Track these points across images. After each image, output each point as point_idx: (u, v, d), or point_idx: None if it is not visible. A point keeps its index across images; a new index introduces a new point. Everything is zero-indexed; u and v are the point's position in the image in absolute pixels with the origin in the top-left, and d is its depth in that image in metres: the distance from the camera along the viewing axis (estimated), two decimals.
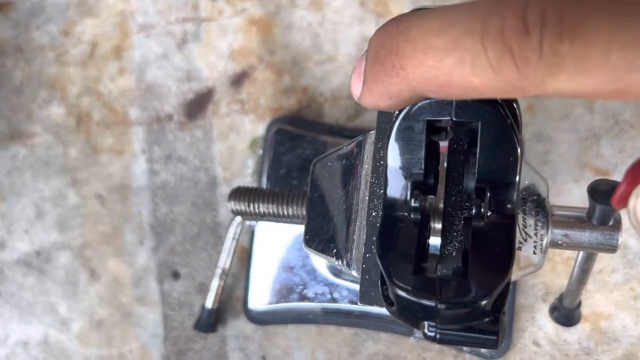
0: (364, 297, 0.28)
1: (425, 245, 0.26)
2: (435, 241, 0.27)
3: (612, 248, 0.31)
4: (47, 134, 0.52)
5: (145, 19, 0.52)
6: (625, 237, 0.42)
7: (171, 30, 0.51)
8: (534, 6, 0.17)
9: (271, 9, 0.49)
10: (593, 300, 0.42)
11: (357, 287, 0.42)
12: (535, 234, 0.31)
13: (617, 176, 0.43)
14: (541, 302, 0.43)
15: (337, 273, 0.42)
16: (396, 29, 0.20)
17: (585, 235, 0.31)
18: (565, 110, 0.44)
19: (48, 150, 0.52)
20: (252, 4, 0.50)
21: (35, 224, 0.51)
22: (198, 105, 0.51)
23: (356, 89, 0.23)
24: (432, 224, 0.27)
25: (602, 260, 0.42)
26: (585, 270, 0.34)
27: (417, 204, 0.25)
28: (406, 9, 0.47)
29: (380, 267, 0.24)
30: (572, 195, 0.43)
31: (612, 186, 0.29)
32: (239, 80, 0.50)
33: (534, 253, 0.30)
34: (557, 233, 0.31)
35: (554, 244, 0.31)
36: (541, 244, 0.31)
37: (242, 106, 0.49)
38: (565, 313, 0.39)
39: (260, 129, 0.49)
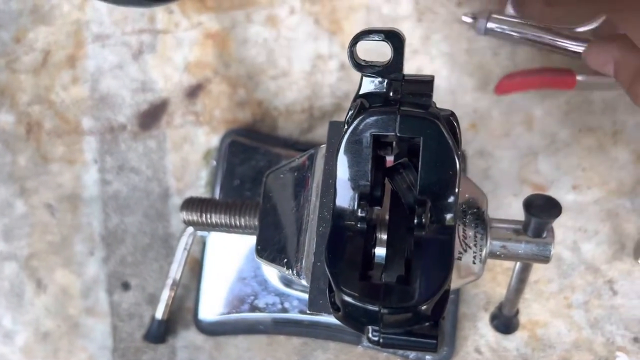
0: (313, 304, 0.29)
1: (371, 254, 0.27)
2: (381, 251, 0.28)
3: (545, 259, 0.33)
4: None
5: (100, 29, 0.52)
6: (559, 249, 0.44)
7: (127, 40, 0.52)
8: None
9: (227, 23, 0.50)
10: (530, 309, 0.44)
11: (307, 296, 0.43)
12: (475, 245, 0.32)
13: (553, 191, 0.46)
14: (482, 311, 0.45)
15: (288, 283, 0.43)
16: None
17: (521, 247, 0.33)
18: (506, 129, 0.46)
19: None
20: (208, 17, 0.51)
21: None
22: (152, 116, 0.51)
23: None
24: (378, 234, 0.29)
25: (539, 270, 0.44)
26: (522, 279, 0.36)
27: (363, 214, 0.26)
28: (359, 28, 0.49)
29: (328, 274, 0.25)
30: (511, 208, 0.45)
31: (546, 200, 0.32)
32: (194, 92, 0.50)
33: (474, 263, 0.32)
34: (495, 244, 0.33)
35: (493, 255, 0.33)
36: (480, 255, 0.32)
37: (196, 118, 0.50)
38: (504, 321, 0.40)
39: (214, 141, 0.49)
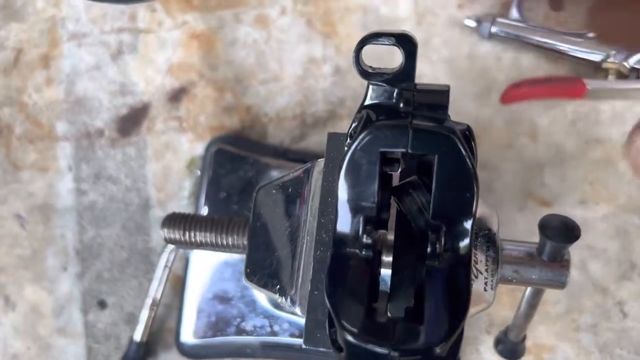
0: (309, 338, 0.26)
1: (377, 284, 0.24)
2: (385, 277, 0.25)
3: (561, 285, 0.30)
4: None
5: (77, 27, 0.48)
6: None
7: (105, 40, 0.48)
8: None
9: (214, 23, 0.47)
10: (536, 332, 0.41)
11: (299, 320, 0.40)
12: (486, 270, 0.29)
13: (559, 206, 0.43)
14: (485, 334, 0.42)
15: (278, 305, 0.39)
16: None
17: (535, 272, 0.30)
18: (509, 139, 0.44)
19: None
20: (193, 17, 0.47)
21: None
22: (132, 121, 0.47)
23: None
24: (382, 259, 0.26)
25: (545, 291, 0.41)
26: (532, 305, 0.34)
27: (369, 241, 0.23)
28: (354, 31, 0.46)
29: (329, 308, 0.22)
30: (517, 224, 0.42)
31: (563, 222, 0.29)
32: (177, 96, 0.47)
33: (485, 290, 0.29)
34: (508, 269, 0.30)
35: (504, 280, 0.30)
36: (492, 281, 0.30)
37: (179, 123, 0.47)
38: (510, 347, 0.38)
39: (198, 149, 0.46)
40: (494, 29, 0.43)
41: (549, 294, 0.41)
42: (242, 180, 0.43)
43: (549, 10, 0.45)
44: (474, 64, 0.44)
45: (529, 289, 0.33)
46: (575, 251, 0.42)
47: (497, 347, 0.39)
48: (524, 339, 0.38)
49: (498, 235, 0.30)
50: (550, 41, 0.43)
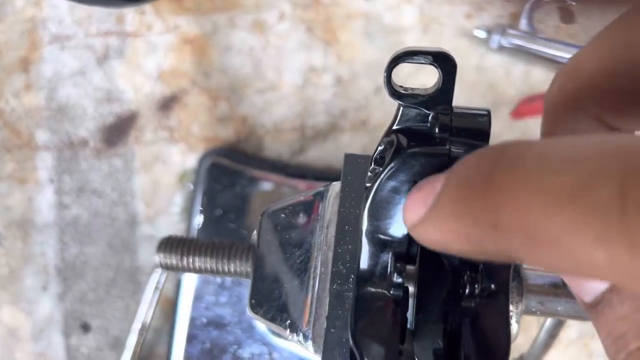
0: None
1: (405, 326, 0.22)
2: (409, 314, 0.23)
3: (586, 317, 0.29)
4: None
5: (59, 29, 0.45)
6: None
7: (90, 43, 0.45)
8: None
9: (208, 27, 0.44)
10: (548, 358, 0.39)
11: (300, 349, 0.37)
12: (511, 303, 0.27)
13: None
14: None
15: (277, 332, 0.37)
16: (503, 154, 0.14)
17: (561, 303, 0.28)
18: None
19: None
20: (186, 20, 0.45)
21: None
22: (119, 130, 0.44)
23: (414, 214, 0.16)
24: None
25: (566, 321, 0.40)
26: (552, 335, 0.32)
27: (400, 280, 0.21)
28: (357, 39, 0.44)
29: (357, 355, 0.20)
30: None
31: None
32: (167, 104, 0.44)
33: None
34: (532, 300, 0.28)
35: (528, 312, 0.28)
36: (516, 313, 0.28)
37: (170, 134, 0.44)
38: None
39: (191, 161, 0.43)
40: (503, 41, 0.41)
41: None
42: (239, 197, 0.40)
43: (560, 23, 0.43)
44: (483, 76, 0.43)
45: (550, 320, 0.31)
46: None
47: None
48: None
49: (523, 266, 0.28)
50: (562, 54, 0.41)
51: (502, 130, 0.42)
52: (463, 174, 0.15)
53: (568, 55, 0.41)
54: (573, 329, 0.40)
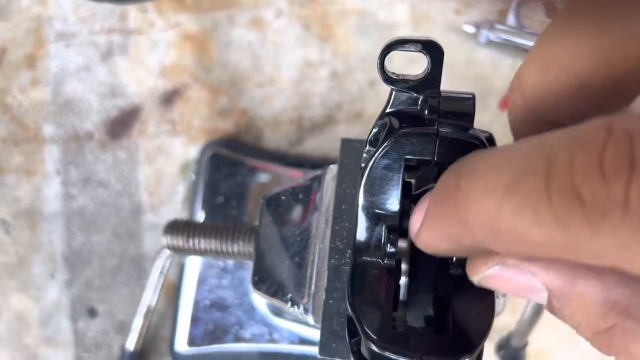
0: (325, 349, 0.25)
1: (398, 293, 0.24)
2: (402, 284, 0.25)
3: None
4: None
5: (64, 27, 0.47)
6: None
7: (95, 40, 0.47)
8: (617, 143, 0.13)
9: (208, 24, 0.46)
10: (535, 337, 0.41)
11: (299, 328, 0.39)
12: None
13: None
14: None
15: (277, 312, 0.39)
16: (463, 166, 0.17)
17: None
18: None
19: None
20: (187, 18, 0.46)
21: None
22: (123, 123, 0.46)
23: (414, 225, 0.20)
24: (402, 267, 0.25)
25: None
26: (537, 312, 0.34)
27: (393, 249, 0.23)
28: (351, 35, 0.46)
29: (354, 319, 0.22)
30: None
31: None
32: (170, 98, 0.46)
33: (496, 297, 0.29)
34: None
35: None
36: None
37: (172, 126, 0.46)
38: (512, 352, 0.38)
39: (193, 152, 0.45)
40: (491, 35, 0.43)
41: None
42: (239, 185, 0.42)
43: (545, 18, 0.45)
44: (472, 69, 0.45)
45: None
46: None
47: (499, 352, 0.39)
48: (525, 345, 0.38)
49: None
50: None
51: (490, 121, 0.44)
52: (440, 187, 0.18)
53: None
54: None
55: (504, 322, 0.41)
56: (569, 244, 0.13)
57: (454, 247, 0.18)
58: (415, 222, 0.20)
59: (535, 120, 0.21)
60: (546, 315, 0.42)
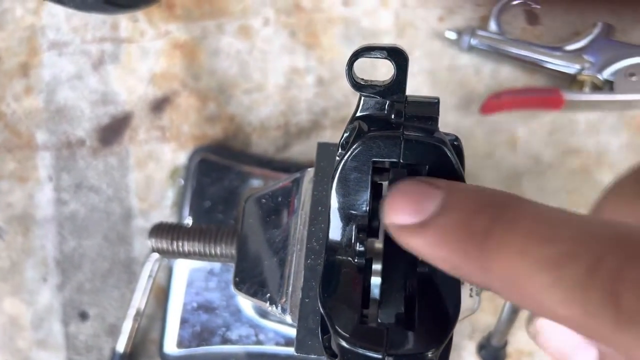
0: (301, 346, 0.26)
1: (368, 291, 0.25)
2: (375, 284, 0.26)
3: None
4: None
5: (57, 36, 0.48)
6: None
7: (86, 49, 0.48)
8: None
9: (197, 33, 0.47)
10: (516, 338, 0.42)
11: (284, 328, 0.40)
12: None
13: None
14: (467, 340, 0.43)
15: (263, 314, 0.40)
16: (501, 214, 0.17)
17: None
18: (489, 149, 0.45)
19: None
20: (176, 27, 0.48)
21: None
22: (114, 130, 0.47)
23: (399, 219, 0.19)
24: (373, 266, 0.26)
25: None
26: (515, 311, 0.34)
27: (362, 248, 0.23)
28: (337, 42, 0.47)
29: (324, 315, 0.23)
30: None
31: None
32: (159, 105, 0.47)
33: (470, 296, 0.30)
34: None
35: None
36: (476, 287, 0.30)
37: (162, 133, 0.47)
38: (493, 352, 0.39)
39: (182, 158, 0.46)
40: (473, 42, 0.44)
41: None
42: (227, 190, 0.43)
43: (526, 24, 0.46)
44: (454, 75, 0.45)
45: None
46: None
47: (480, 352, 0.40)
48: (505, 344, 0.38)
49: None
50: (528, 54, 0.44)
51: (472, 126, 0.45)
52: (463, 217, 0.18)
53: (534, 55, 0.44)
54: None
55: (486, 322, 0.42)
56: (589, 330, 0.15)
57: (450, 271, 0.18)
58: (400, 215, 0.19)
59: None
60: (525, 316, 0.43)
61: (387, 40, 0.46)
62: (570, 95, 0.42)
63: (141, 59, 0.47)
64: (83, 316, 0.45)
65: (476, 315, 0.43)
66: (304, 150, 0.45)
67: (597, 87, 0.43)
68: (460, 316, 0.30)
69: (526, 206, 0.17)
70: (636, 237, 0.15)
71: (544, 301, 0.15)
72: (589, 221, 0.16)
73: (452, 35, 0.44)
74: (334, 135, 0.46)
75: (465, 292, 0.30)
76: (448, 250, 0.18)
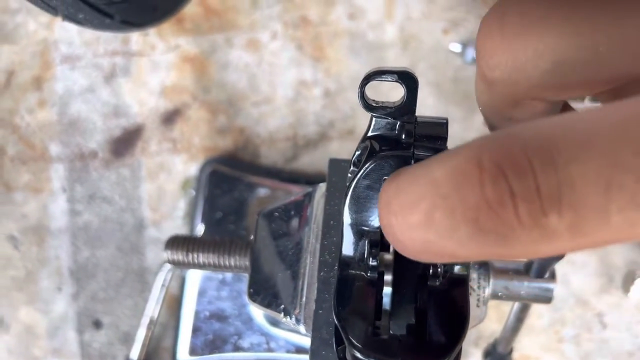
0: (315, 356, 0.27)
1: (380, 304, 0.26)
2: (387, 296, 0.27)
3: (547, 300, 0.32)
4: None
5: (70, 50, 0.49)
6: None
7: (98, 63, 0.49)
8: (493, 180, 0.14)
9: (206, 47, 0.48)
10: (521, 344, 0.43)
11: (295, 337, 0.41)
12: (478, 287, 0.31)
13: None
14: (473, 347, 0.44)
15: (274, 322, 0.41)
16: (396, 179, 0.18)
17: (523, 288, 0.32)
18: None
19: None
20: (186, 40, 0.49)
21: None
22: (126, 142, 0.48)
23: (397, 217, 0.20)
24: (385, 279, 0.27)
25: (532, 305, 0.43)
26: (520, 319, 0.35)
27: (375, 263, 0.24)
28: (343, 55, 0.48)
29: (339, 327, 0.24)
30: None
31: None
32: (171, 117, 0.48)
33: (477, 306, 0.31)
34: (498, 285, 0.32)
35: (494, 296, 0.32)
36: (483, 297, 0.31)
37: (173, 145, 0.48)
38: (498, 359, 0.39)
39: (193, 169, 0.47)
40: None
41: (534, 307, 0.43)
42: (237, 201, 0.44)
43: None
44: (459, 87, 0.46)
45: (516, 304, 0.35)
46: (557, 266, 0.44)
47: (486, 359, 0.41)
48: (511, 351, 0.39)
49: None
50: None
51: (476, 136, 0.46)
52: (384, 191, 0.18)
53: None
54: (545, 317, 0.44)
55: (492, 329, 0.43)
56: (488, 254, 0.15)
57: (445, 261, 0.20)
58: (399, 212, 0.18)
59: (505, 105, 0.21)
60: (530, 322, 0.44)
61: (392, 53, 0.47)
62: (573, 105, 0.43)
63: (152, 72, 0.48)
64: (97, 325, 0.46)
65: (482, 323, 0.44)
66: (312, 161, 0.46)
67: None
68: (469, 326, 0.31)
69: (409, 171, 0.17)
70: (458, 165, 0.15)
71: (448, 250, 0.16)
72: (427, 168, 0.16)
73: (456, 48, 0.45)
74: (341, 146, 0.47)
75: (472, 302, 0.31)
76: (456, 243, 0.17)
